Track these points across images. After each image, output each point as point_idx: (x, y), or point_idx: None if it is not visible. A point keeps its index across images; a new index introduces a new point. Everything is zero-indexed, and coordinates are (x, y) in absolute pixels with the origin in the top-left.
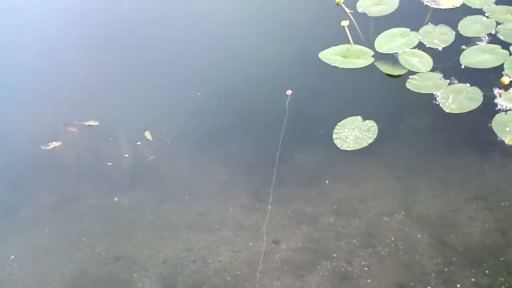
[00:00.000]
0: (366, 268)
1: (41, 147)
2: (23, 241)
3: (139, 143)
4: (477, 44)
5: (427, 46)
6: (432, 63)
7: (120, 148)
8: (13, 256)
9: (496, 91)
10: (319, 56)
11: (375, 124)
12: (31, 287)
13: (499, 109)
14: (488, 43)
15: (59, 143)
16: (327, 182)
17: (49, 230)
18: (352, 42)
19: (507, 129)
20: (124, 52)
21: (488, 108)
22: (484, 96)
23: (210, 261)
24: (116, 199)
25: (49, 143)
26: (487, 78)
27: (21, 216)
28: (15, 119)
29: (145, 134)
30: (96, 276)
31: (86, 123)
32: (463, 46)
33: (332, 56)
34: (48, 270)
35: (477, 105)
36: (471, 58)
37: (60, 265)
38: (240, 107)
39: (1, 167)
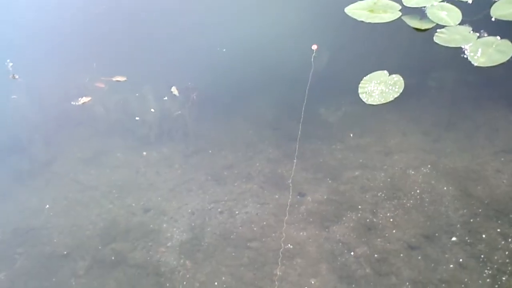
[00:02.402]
0: (391, 220)
1: (72, 102)
2: (56, 193)
3: (165, 98)
4: None
5: None
6: (461, 16)
7: (147, 103)
8: (47, 206)
9: None
10: (345, 10)
11: (401, 78)
12: (66, 235)
13: None
14: None
15: (88, 99)
16: (351, 135)
17: (81, 183)
18: None
19: None
20: (151, 10)
21: None
22: None
23: (237, 212)
24: (144, 153)
25: (79, 99)
26: None
27: (54, 170)
28: (45, 76)
29: (172, 90)
30: (127, 226)
31: (114, 79)
32: None
33: (358, 10)
34: (82, 220)
35: (507, 58)
36: (502, 10)
37: (92, 215)
38: (266, 62)
39: (34, 123)
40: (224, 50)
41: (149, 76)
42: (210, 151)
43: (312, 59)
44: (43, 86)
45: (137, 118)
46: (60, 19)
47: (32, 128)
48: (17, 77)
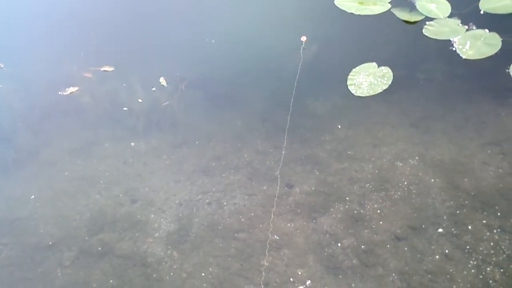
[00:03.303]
0: (378, 211)
1: (59, 92)
2: (44, 183)
3: (154, 88)
4: None
5: None
6: (450, 9)
7: (135, 93)
8: (33, 196)
9: None
10: (335, 2)
11: (390, 70)
12: (53, 226)
13: None
14: None
15: (76, 89)
16: (339, 127)
17: (68, 173)
18: None
19: None
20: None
21: (507, 54)
22: (503, 42)
23: (225, 203)
24: (132, 144)
25: (66, 89)
26: (507, 24)
27: (41, 160)
28: (33, 65)
29: (160, 80)
30: (114, 216)
31: (102, 69)
32: None
33: (348, 2)
34: (69, 210)
35: (495, 51)
36: (490, 3)
37: (79, 206)
38: (255, 54)
39: (20, 112)
40: (213, 41)
41: (137, 66)
42: (198, 142)
43: (301, 51)
44: (29, 76)
45: (125, 109)
46: (47, 7)
47: (18, 118)
48: (2, 66)
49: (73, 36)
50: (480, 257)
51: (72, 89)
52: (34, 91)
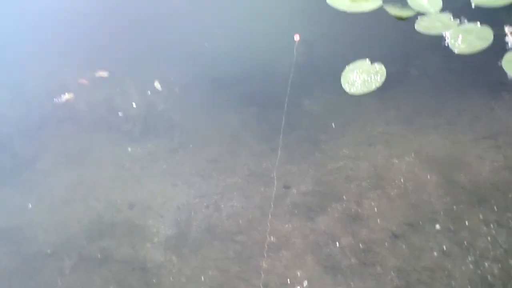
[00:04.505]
0: (375, 209)
1: (54, 99)
2: (41, 191)
3: (149, 93)
4: None
5: None
6: (441, 3)
7: (130, 98)
8: (30, 205)
9: (507, 29)
10: (326, 0)
11: (383, 67)
12: (51, 234)
13: (510, 48)
14: None
15: (71, 95)
16: (333, 125)
17: (66, 180)
18: None
19: None
20: (131, 3)
21: (499, 47)
22: (495, 35)
23: (222, 206)
24: (129, 149)
25: (62, 96)
26: (498, 17)
27: (37, 168)
28: (27, 72)
29: (155, 84)
30: (112, 222)
31: (96, 74)
32: None
33: (340, 0)
34: (66, 217)
35: (487, 45)
36: None
37: (77, 213)
38: (248, 54)
39: (16, 120)
40: (207, 44)
41: (131, 71)
42: (194, 146)
43: (294, 50)
44: (24, 84)
45: (120, 114)
46: (39, 14)
47: (13, 126)
48: None
49: (67, 42)
50: (478, 252)
51: (68, 96)
52: (29, 99)
